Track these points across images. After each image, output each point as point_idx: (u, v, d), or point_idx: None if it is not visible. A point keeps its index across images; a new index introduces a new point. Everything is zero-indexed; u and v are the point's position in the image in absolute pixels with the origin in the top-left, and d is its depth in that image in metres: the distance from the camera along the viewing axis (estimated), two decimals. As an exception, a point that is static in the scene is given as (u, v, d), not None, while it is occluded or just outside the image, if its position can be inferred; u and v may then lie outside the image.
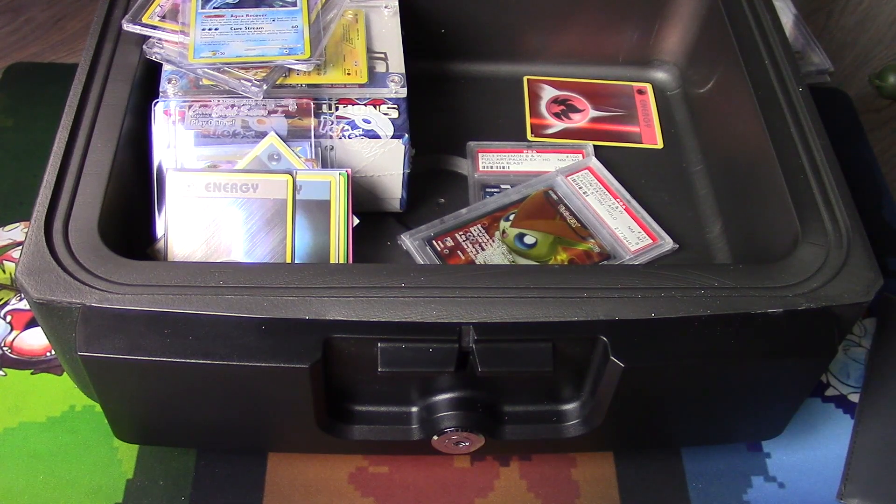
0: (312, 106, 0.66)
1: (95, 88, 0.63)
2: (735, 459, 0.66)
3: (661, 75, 0.86)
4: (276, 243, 0.61)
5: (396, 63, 0.70)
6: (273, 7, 0.68)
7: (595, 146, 0.79)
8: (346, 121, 0.66)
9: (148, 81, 0.66)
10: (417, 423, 0.59)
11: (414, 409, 0.59)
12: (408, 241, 0.70)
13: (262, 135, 0.64)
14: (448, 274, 0.55)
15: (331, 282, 0.53)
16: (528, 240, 0.71)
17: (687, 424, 0.62)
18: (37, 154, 0.82)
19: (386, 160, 0.68)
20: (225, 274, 0.53)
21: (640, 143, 0.81)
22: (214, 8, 0.68)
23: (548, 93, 0.84)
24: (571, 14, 0.82)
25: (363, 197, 0.69)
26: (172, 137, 0.64)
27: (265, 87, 0.64)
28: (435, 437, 0.58)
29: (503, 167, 0.77)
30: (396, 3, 0.75)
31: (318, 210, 0.62)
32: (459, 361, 0.53)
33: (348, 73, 0.68)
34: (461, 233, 0.71)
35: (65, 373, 0.68)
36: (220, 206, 0.61)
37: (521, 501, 0.63)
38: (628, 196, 0.74)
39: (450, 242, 0.70)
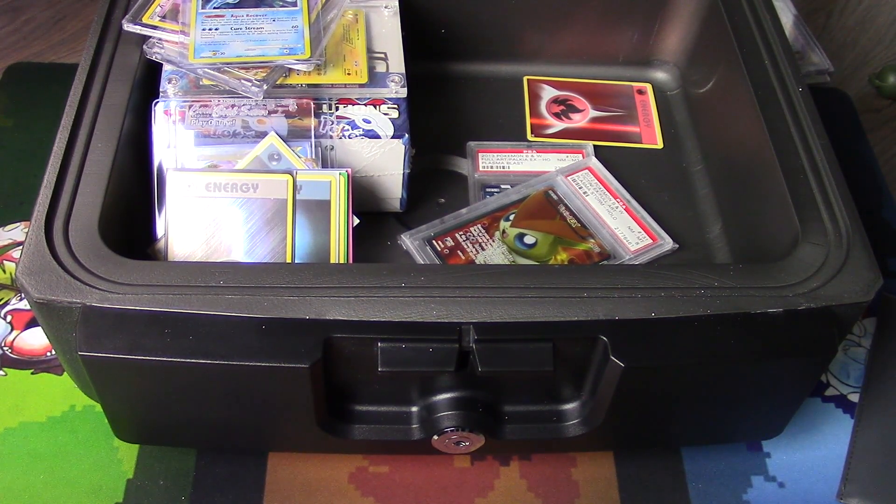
0: (312, 106, 0.66)
1: (95, 88, 0.63)
2: (735, 459, 0.66)
3: (661, 75, 0.86)
4: (276, 243, 0.61)
5: (396, 63, 0.70)
6: (273, 7, 0.68)
7: (595, 146, 0.79)
8: (346, 121, 0.66)
9: (148, 81, 0.66)
10: (417, 423, 0.58)
11: (414, 408, 0.59)
12: (408, 241, 0.70)
13: (263, 135, 0.64)
14: (448, 274, 0.55)
15: (331, 282, 0.53)
16: (528, 240, 0.71)
17: (687, 424, 0.62)
18: (37, 154, 0.82)
19: (386, 160, 0.68)
20: (225, 274, 0.53)
21: (640, 143, 0.81)
22: (214, 8, 0.68)
23: (548, 93, 0.84)
24: (571, 14, 0.82)
25: (363, 197, 0.69)
26: (172, 137, 0.64)
27: (265, 87, 0.64)
28: (435, 437, 0.58)
29: (503, 167, 0.77)
30: (396, 3, 0.74)
31: (319, 210, 0.62)
32: (459, 361, 0.53)
33: (348, 73, 0.68)
34: (461, 233, 0.71)
35: (65, 373, 0.68)
36: (221, 205, 0.61)
37: (521, 501, 0.63)
38: (628, 196, 0.74)
39: (450, 242, 0.70)
